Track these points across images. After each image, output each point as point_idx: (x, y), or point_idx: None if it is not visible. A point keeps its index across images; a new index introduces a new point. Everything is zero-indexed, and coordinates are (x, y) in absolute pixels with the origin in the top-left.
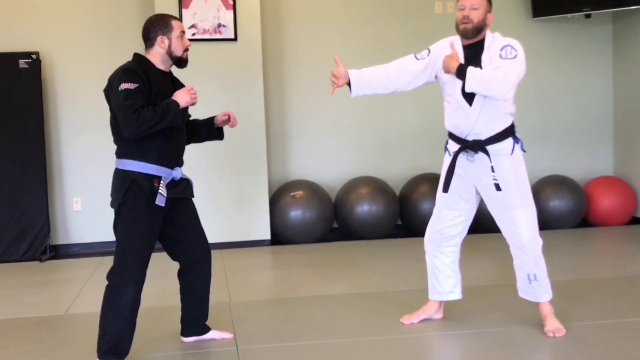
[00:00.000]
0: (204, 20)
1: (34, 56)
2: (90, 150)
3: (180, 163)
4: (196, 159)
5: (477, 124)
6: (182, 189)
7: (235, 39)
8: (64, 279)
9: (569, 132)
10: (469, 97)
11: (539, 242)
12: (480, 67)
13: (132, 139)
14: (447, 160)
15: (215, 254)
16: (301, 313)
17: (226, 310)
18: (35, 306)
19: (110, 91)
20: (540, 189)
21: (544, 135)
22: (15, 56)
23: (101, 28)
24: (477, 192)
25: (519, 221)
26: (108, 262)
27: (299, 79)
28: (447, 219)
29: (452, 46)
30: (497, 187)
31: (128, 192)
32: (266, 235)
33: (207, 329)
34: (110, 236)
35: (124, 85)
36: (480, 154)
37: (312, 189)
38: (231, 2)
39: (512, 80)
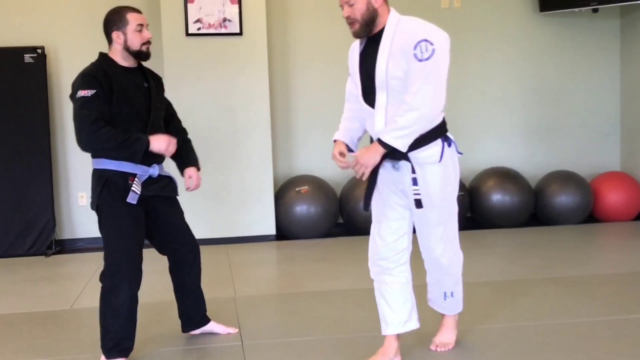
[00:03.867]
0: (209, 14)
1: (39, 51)
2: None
3: (159, 160)
4: (201, 154)
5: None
6: (161, 187)
7: (240, 34)
8: (69, 273)
9: (576, 128)
10: (370, 97)
11: (460, 259)
12: (375, 63)
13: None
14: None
15: (220, 249)
16: (307, 308)
17: (231, 305)
18: (41, 300)
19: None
20: (547, 185)
21: (551, 130)
22: (20, 51)
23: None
24: None
25: (439, 240)
26: None
27: (304, 73)
28: (389, 234)
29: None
30: (418, 204)
31: (104, 191)
32: (271, 230)
33: (207, 320)
34: None
35: (80, 93)
36: (404, 162)
37: (318, 184)
38: None
39: (438, 96)
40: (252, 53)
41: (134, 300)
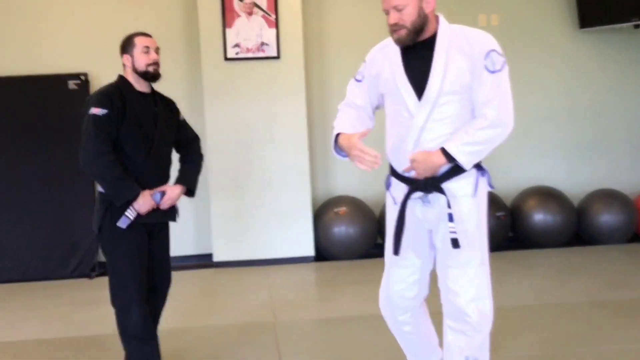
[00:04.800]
0: (247, 39)
1: (82, 77)
2: None
3: (163, 183)
4: (239, 175)
5: (425, 149)
6: (162, 213)
7: (278, 57)
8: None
9: (618, 145)
10: (404, 110)
11: (490, 313)
12: (428, 71)
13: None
14: (392, 206)
15: (258, 271)
16: (348, 334)
17: (271, 330)
18: (86, 325)
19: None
20: (590, 203)
21: (592, 148)
22: (64, 77)
23: None
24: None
25: (468, 283)
26: None
27: (341, 93)
28: (397, 281)
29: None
30: (455, 244)
31: (107, 214)
32: (310, 252)
33: None
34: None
35: (93, 110)
36: (436, 195)
37: (356, 205)
38: (274, 21)
39: (510, 107)
40: (289, 75)
41: (147, 320)
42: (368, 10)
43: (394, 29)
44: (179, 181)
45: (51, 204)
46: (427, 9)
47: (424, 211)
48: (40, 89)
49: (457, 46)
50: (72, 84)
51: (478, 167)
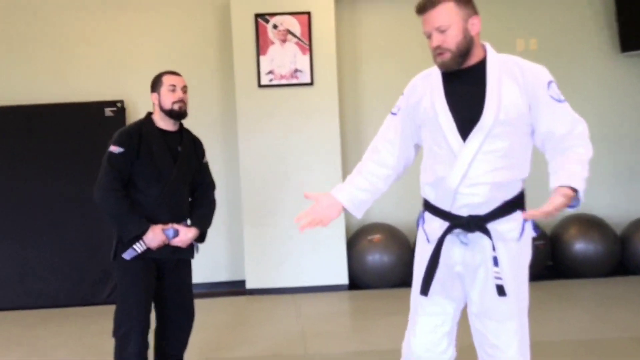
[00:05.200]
0: (281, 65)
1: (118, 104)
2: None
3: (177, 219)
4: (272, 202)
5: (473, 184)
6: (175, 250)
7: (311, 84)
8: None
9: None
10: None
11: None
12: (475, 100)
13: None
14: (424, 244)
15: (291, 300)
16: None
17: None
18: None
19: None
20: (634, 232)
21: (635, 175)
22: (101, 105)
23: (183, 75)
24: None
25: (512, 337)
26: None
27: (375, 119)
28: (426, 331)
29: None
30: (501, 291)
31: (118, 245)
32: (344, 280)
33: None
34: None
35: (111, 148)
36: (478, 235)
37: (391, 233)
38: (308, 48)
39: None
40: (323, 101)
41: (143, 352)
42: (402, 36)
43: (437, 52)
44: (194, 224)
45: (85, 230)
46: (473, 31)
47: (460, 252)
48: (77, 116)
49: (509, 74)
50: (108, 111)
51: (523, 207)
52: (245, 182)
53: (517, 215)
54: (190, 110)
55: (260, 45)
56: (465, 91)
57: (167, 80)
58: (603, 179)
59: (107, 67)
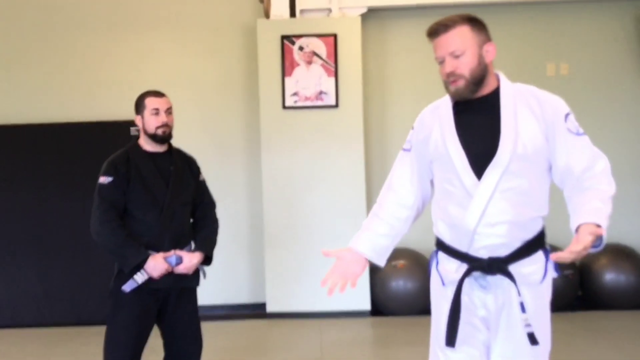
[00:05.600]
0: (305, 87)
1: None
2: None
3: (180, 244)
4: (295, 225)
5: (491, 224)
6: (178, 278)
7: (336, 106)
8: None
9: None
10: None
11: None
12: (489, 132)
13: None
14: (439, 288)
15: (312, 324)
16: None
17: None
18: None
19: None
20: None
21: None
22: (127, 124)
23: (207, 96)
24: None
25: None
26: (209, 328)
27: (401, 144)
28: None
29: None
30: (533, 340)
31: (117, 277)
32: (366, 305)
33: None
34: (209, 299)
35: (100, 179)
36: (498, 278)
37: (415, 259)
38: (333, 70)
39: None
40: (348, 125)
41: None
42: (430, 59)
43: (450, 79)
44: (197, 248)
45: (97, 250)
46: (487, 58)
47: (481, 296)
48: (103, 135)
49: (525, 105)
50: (133, 130)
51: (545, 250)
52: (268, 205)
53: (539, 256)
54: (214, 131)
55: (286, 67)
56: (479, 123)
57: (150, 103)
58: (635, 207)
59: (135, 87)
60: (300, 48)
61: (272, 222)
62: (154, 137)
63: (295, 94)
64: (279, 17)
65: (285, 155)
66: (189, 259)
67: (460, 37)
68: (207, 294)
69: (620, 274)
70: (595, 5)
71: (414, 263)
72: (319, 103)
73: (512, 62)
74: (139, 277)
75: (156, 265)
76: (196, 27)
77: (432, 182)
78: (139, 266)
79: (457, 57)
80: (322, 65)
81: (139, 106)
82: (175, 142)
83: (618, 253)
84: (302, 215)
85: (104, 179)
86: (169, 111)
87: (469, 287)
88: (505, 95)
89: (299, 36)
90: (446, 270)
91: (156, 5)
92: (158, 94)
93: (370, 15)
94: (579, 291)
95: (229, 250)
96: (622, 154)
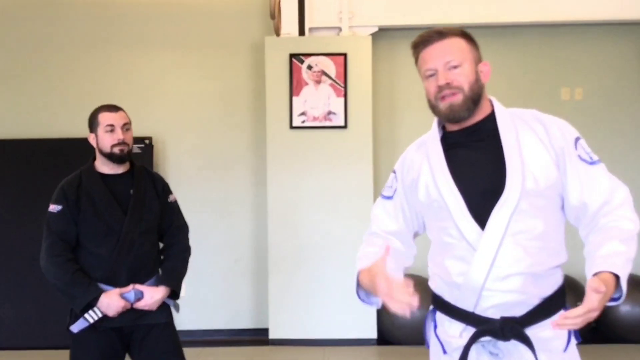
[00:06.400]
0: (314, 107)
1: (147, 141)
2: (197, 234)
3: (140, 278)
4: (301, 248)
5: (503, 277)
6: (138, 315)
7: (345, 127)
8: None
9: None
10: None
11: None
12: (500, 166)
13: None
14: (440, 358)
15: (315, 353)
16: None
17: None
18: None
19: None
20: None
21: None
22: None
23: (213, 114)
24: None
25: None
26: (209, 353)
27: None
28: None
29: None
30: None
31: (72, 314)
32: (372, 334)
33: None
34: (212, 324)
35: (50, 207)
36: (512, 343)
37: (423, 286)
38: (342, 90)
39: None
40: (356, 146)
41: None
42: None
43: (444, 93)
44: (161, 281)
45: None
46: (483, 78)
47: None
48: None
49: (529, 130)
50: (136, 148)
51: (565, 305)
52: (273, 226)
53: (560, 314)
54: (219, 150)
55: (294, 86)
56: (475, 157)
57: (103, 119)
58: None
59: (138, 103)
60: (309, 67)
61: (277, 244)
62: (110, 157)
63: (303, 113)
64: (288, 35)
65: (291, 176)
66: (151, 295)
67: (457, 47)
68: (208, 318)
69: (636, 306)
70: (609, 28)
71: (422, 291)
72: (328, 123)
73: (525, 86)
74: (91, 316)
75: (110, 303)
76: (204, 43)
77: (414, 235)
78: (91, 304)
79: (453, 67)
80: (331, 85)
81: (92, 123)
82: (181, 160)
83: (634, 284)
84: (308, 238)
85: (53, 207)
86: (126, 127)
87: (476, 355)
88: (503, 120)
89: (308, 55)
90: (448, 335)
91: (164, 22)
92: (113, 108)
93: (381, 35)
94: (593, 323)
95: (232, 273)
96: (637, 182)
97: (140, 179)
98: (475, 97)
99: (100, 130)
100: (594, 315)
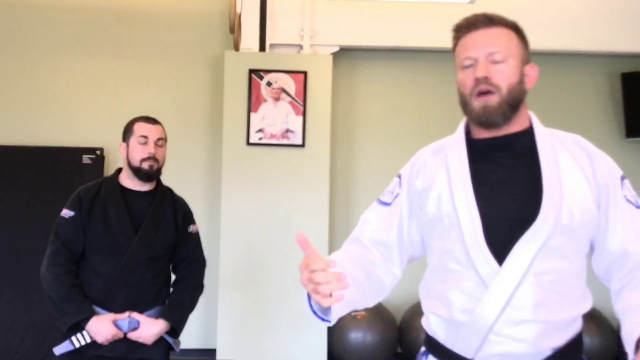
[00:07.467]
0: (272, 124)
1: (98, 152)
2: None
3: (139, 306)
4: (253, 268)
5: (515, 322)
6: (130, 347)
7: (302, 146)
8: None
9: None
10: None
11: None
12: (535, 190)
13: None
14: None
15: None
16: None
17: None
18: None
19: None
20: None
21: None
22: (79, 151)
23: (169, 127)
24: None
25: None
26: None
27: (367, 190)
28: None
29: None
30: None
31: (66, 334)
32: (322, 357)
33: None
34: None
35: (62, 212)
36: None
37: (375, 309)
38: (301, 108)
39: None
40: (313, 166)
41: None
42: (402, 104)
43: (480, 88)
44: (163, 315)
45: None
46: (529, 83)
47: None
48: (53, 161)
49: (570, 157)
50: (86, 158)
51: (582, 357)
52: (225, 244)
53: None
54: (173, 164)
55: (252, 102)
56: (504, 175)
57: (138, 128)
58: None
59: (90, 113)
60: (269, 83)
61: (228, 263)
62: (137, 172)
63: (260, 130)
64: (248, 50)
65: (246, 193)
66: (147, 327)
67: (506, 39)
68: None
69: (588, 336)
70: (577, 59)
71: (374, 314)
72: (285, 142)
73: None
74: (77, 340)
75: (100, 327)
76: (161, 55)
77: (408, 256)
78: (80, 326)
79: (495, 62)
80: (290, 103)
81: (127, 132)
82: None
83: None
84: (260, 257)
85: (65, 212)
86: (160, 142)
87: None
88: (543, 138)
89: (268, 71)
90: None
91: (121, 31)
92: (150, 120)
93: (342, 54)
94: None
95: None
96: None
97: (162, 201)
98: (514, 102)
99: (133, 140)
100: None
